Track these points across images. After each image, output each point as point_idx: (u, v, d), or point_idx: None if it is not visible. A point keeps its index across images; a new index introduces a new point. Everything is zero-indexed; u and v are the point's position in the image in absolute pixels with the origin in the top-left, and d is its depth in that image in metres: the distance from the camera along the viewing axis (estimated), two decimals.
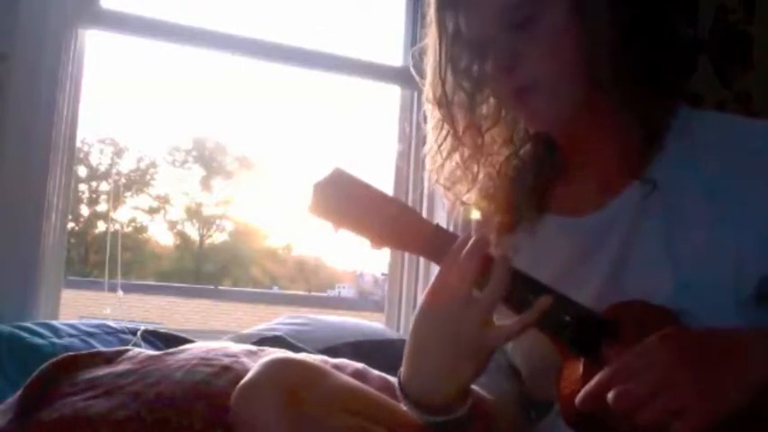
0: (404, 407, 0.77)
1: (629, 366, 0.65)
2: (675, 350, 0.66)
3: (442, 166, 0.92)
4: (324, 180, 0.75)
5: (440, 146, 0.91)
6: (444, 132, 0.90)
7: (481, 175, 0.91)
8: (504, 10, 0.79)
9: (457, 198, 0.94)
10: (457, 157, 0.91)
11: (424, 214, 1.63)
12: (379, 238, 0.75)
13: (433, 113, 0.91)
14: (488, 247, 0.73)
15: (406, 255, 1.70)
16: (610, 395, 0.64)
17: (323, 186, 0.75)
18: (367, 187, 0.76)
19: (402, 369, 0.78)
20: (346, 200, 0.74)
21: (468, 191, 0.92)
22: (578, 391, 0.70)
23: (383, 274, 1.81)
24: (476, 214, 0.94)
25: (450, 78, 0.86)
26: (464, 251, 0.73)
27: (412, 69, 0.95)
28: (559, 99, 0.81)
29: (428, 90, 0.90)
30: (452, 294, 0.72)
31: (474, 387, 0.86)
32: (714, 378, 0.64)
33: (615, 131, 0.85)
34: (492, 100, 0.90)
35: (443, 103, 0.87)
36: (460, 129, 0.89)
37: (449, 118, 0.88)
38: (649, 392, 0.63)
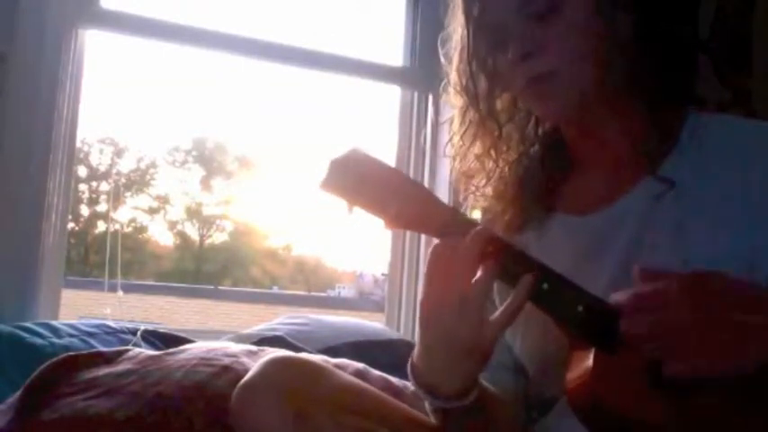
0: (412, 387, 0.78)
1: (660, 295, 0.66)
2: (702, 294, 0.66)
3: (465, 155, 0.92)
4: (341, 157, 0.74)
5: (462, 134, 0.91)
6: (467, 120, 0.90)
7: (498, 170, 0.92)
8: (521, 3, 0.79)
9: (474, 191, 0.94)
10: (477, 147, 0.91)
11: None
12: (395, 219, 0.74)
13: (456, 100, 0.91)
14: (481, 248, 0.72)
15: (406, 255, 1.70)
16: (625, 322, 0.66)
17: (339, 163, 0.74)
18: (384, 167, 0.75)
19: (414, 356, 0.78)
20: (363, 178, 0.73)
21: (486, 185, 0.92)
22: (588, 382, 0.70)
23: (383, 274, 1.81)
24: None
25: (474, 65, 0.86)
26: (459, 253, 0.72)
27: (441, 56, 0.94)
28: (574, 91, 0.81)
29: (454, 76, 0.90)
30: (445, 296, 0.72)
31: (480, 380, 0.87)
32: (733, 336, 0.65)
33: (626, 130, 0.85)
34: (506, 96, 0.91)
35: (469, 89, 0.88)
36: (482, 117, 0.89)
37: (474, 104, 0.88)
38: (669, 329, 0.65)
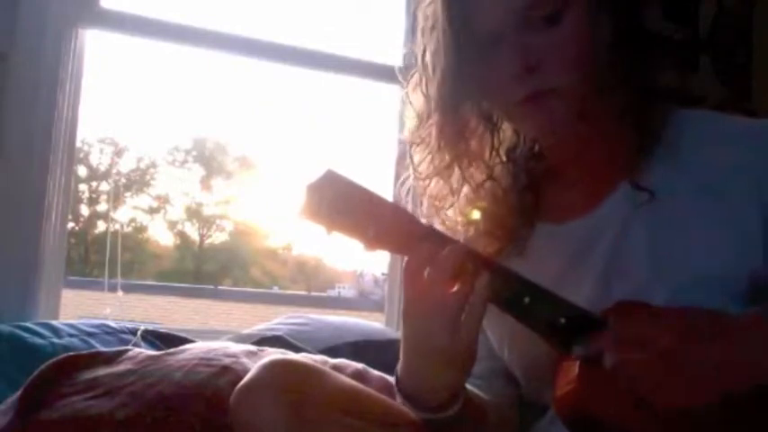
0: (399, 400, 0.79)
1: (636, 335, 0.67)
2: (683, 325, 0.67)
3: (429, 177, 0.89)
4: (316, 182, 0.74)
5: (431, 158, 0.88)
6: (435, 141, 0.86)
7: (465, 190, 0.88)
8: (524, 7, 0.75)
9: (437, 210, 0.90)
10: (443, 167, 0.87)
11: (425, 215, 1.63)
12: (373, 241, 0.74)
13: (425, 119, 0.87)
14: (457, 260, 0.72)
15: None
16: (608, 359, 0.66)
17: (315, 188, 0.73)
18: (360, 189, 0.74)
19: (398, 367, 0.78)
20: (338, 202, 0.73)
21: (451, 205, 0.89)
22: (574, 392, 0.70)
23: (383, 274, 1.81)
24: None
25: (450, 82, 0.82)
26: (436, 263, 0.72)
27: (398, 73, 0.92)
28: (575, 104, 0.78)
29: (421, 92, 0.86)
30: (421, 306, 0.73)
31: (470, 388, 0.87)
32: (716, 358, 0.65)
33: (605, 136, 0.84)
34: (469, 110, 0.86)
35: (444, 108, 0.84)
36: (449, 137, 0.85)
37: (440, 123, 0.84)
38: (648, 362, 0.65)
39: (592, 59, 0.77)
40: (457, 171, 0.87)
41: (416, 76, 0.87)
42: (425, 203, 0.91)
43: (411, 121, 0.89)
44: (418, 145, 0.88)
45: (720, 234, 0.76)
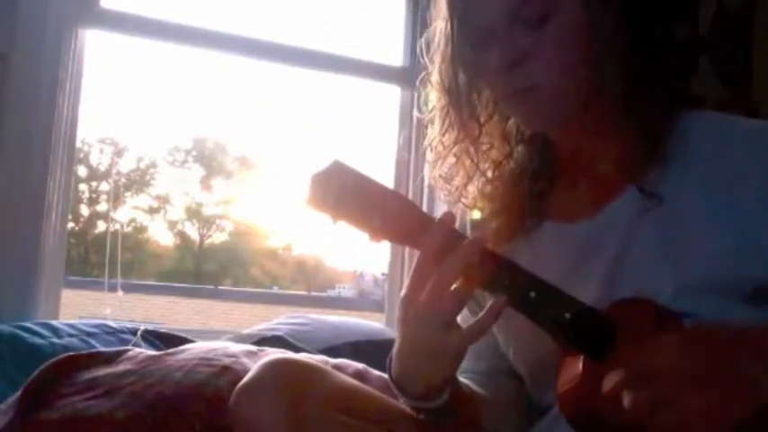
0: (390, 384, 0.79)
1: (647, 369, 0.63)
2: (695, 352, 0.63)
3: (443, 157, 0.90)
4: (322, 172, 0.74)
5: (442, 136, 0.89)
6: (447, 122, 0.89)
7: (482, 166, 0.90)
8: (516, 4, 0.77)
9: (454, 192, 0.92)
10: (456, 148, 0.90)
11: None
12: (378, 232, 0.74)
13: (437, 102, 0.89)
14: (468, 259, 0.72)
15: (407, 254, 1.70)
16: (626, 400, 0.62)
17: (321, 178, 0.74)
18: (366, 180, 0.75)
19: (392, 353, 0.79)
20: (345, 192, 0.73)
21: (465, 185, 0.91)
22: (577, 388, 0.70)
23: (383, 274, 1.81)
24: (477, 214, 0.94)
25: (456, 64, 0.84)
26: (446, 260, 0.72)
27: (422, 53, 0.93)
28: (558, 102, 0.80)
29: (435, 75, 0.89)
30: (417, 298, 0.72)
31: (468, 382, 0.88)
32: (733, 383, 0.61)
33: (614, 136, 0.84)
34: (485, 94, 0.89)
35: (452, 89, 0.86)
36: (462, 118, 0.87)
37: (455, 105, 0.86)
38: (667, 397, 0.61)
39: (587, 58, 0.78)
40: (473, 152, 0.89)
41: (437, 58, 0.89)
42: (440, 184, 0.93)
43: (430, 101, 0.92)
44: (439, 125, 0.90)
45: (727, 235, 0.76)
